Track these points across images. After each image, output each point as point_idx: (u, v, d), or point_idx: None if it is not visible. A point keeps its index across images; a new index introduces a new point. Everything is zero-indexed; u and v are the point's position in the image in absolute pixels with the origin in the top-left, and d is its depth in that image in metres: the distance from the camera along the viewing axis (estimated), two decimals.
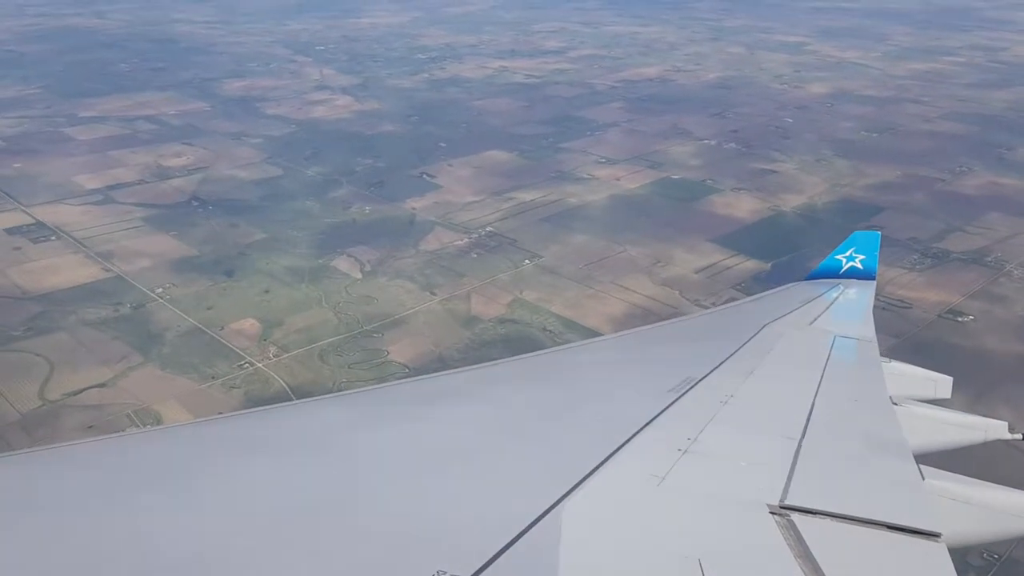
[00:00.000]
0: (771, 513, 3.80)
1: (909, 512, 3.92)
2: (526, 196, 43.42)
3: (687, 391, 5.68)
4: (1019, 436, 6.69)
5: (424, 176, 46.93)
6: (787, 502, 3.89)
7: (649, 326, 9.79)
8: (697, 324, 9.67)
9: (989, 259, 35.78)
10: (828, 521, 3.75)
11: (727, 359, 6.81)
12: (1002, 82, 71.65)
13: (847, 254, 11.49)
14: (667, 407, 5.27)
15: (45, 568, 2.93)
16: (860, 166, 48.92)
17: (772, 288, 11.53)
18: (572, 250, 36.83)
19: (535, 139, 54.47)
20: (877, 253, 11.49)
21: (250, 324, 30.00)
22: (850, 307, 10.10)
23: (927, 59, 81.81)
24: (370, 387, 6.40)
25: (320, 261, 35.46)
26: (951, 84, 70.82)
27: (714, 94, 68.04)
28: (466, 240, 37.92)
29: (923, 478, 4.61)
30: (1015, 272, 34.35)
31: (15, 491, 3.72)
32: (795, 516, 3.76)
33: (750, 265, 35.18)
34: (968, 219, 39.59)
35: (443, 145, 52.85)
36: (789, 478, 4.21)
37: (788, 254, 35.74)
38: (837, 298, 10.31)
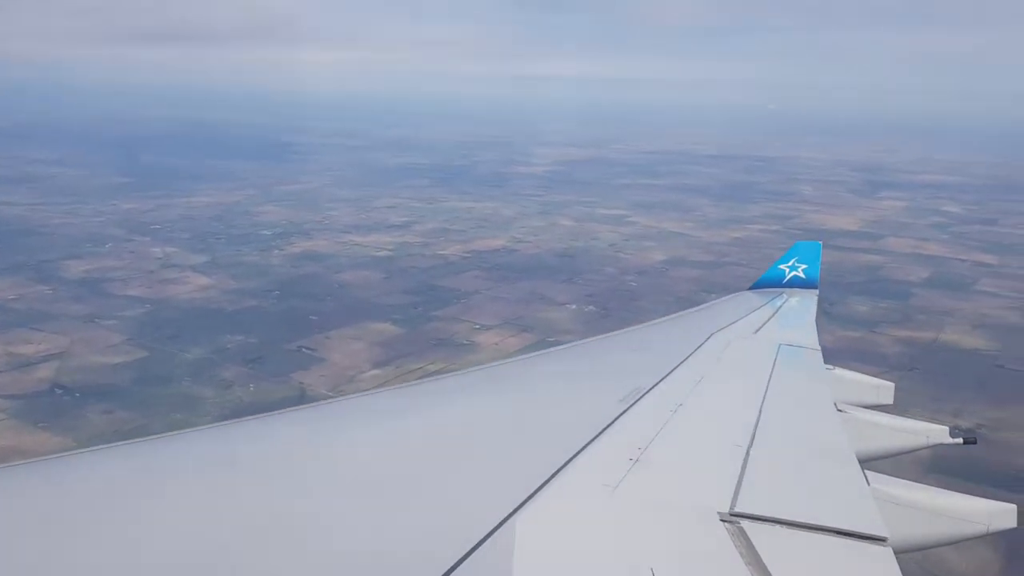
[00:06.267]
0: (722, 521, 3.82)
1: (856, 517, 3.97)
2: (414, 364, 43.62)
3: (637, 400, 5.68)
4: (960, 440, 6.81)
5: (303, 350, 46.11)
6: (737, 509, 3.93)
7: (598, 337, 9.50)
8: (645, 334, 9.59)
9: None
10: (777, 528, 3.79)
11: (676, 368, 6.84)
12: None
13: (790, 263, 11.79)
14: (618, 417, 5.26)
15: None
16: None
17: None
18: None
19: (405, 309, 55.23)
20: (819, 262, 11.84)
21: None
22: (794, 316, 10.34)
23: (735, 227, 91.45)
24: (312, 404, 6.17)
25: None
26: (764, 248, 79.21)
27: (559, 262, 72.27)
28: None
29: (868, 483, 4.68)
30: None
31: None
32: (745, 523, 3.79)
33: None
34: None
35: (314, 318, 52.36)
36: (738, 485, 4.25)
37: None
38: (781, 307, 10.61)
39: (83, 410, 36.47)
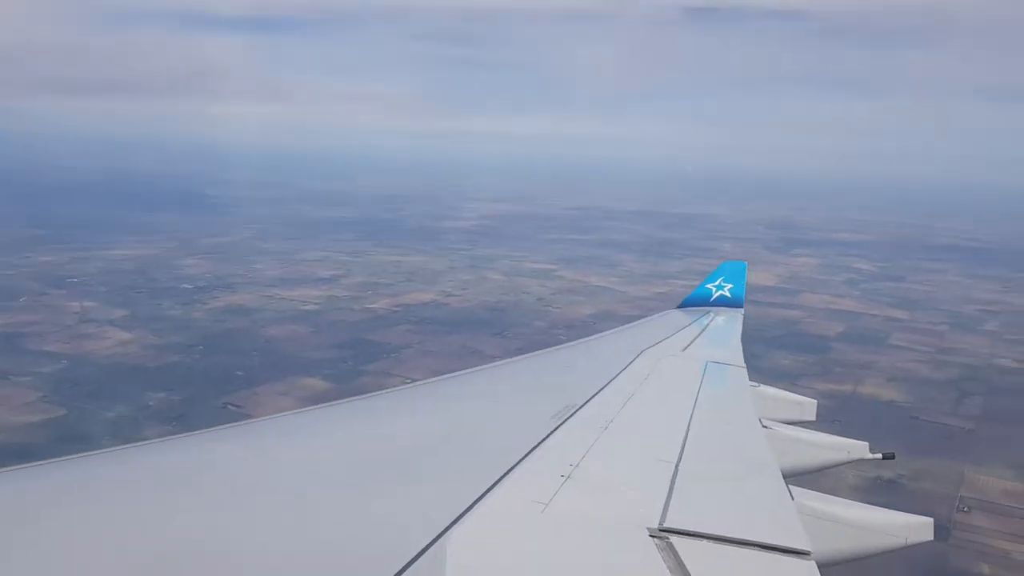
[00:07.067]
0: (651, 536, 3.87)
1: (780, 531, 4.05)
2: None
3: (569, 417, 5.75)
4: (879, 455, 7.09)
5: (229, 407, 45.05)
6: (666, 525, 3.98)
7: (530, 354, 9.30)
8: (577, 352, 9.73)
9: None
10: (705, 543, 3.84)
11: (606, 385, 6.95)
12: None
13: (716, 283, 12.13)
14: (550, 434, 5.32)
15: None
16: None
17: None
18: None
19: (334, 363, 54.61)
20: (744, 282, 12.26)
21: None
22: (720, 334, 10.55)
23: (659, 282, 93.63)
24: (237, 423, 5.93)
25: None
26: None
27: (489, 316, 72.70)
28: None
29: (792, 497, 4.77)
30: None
31: None
32: (674, 539, 3.84)
33: None
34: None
35: (240, 374, 51.26)
36: (667, 501, 4.30)
37: None
38: (708, 325, 10.85)
39: None
